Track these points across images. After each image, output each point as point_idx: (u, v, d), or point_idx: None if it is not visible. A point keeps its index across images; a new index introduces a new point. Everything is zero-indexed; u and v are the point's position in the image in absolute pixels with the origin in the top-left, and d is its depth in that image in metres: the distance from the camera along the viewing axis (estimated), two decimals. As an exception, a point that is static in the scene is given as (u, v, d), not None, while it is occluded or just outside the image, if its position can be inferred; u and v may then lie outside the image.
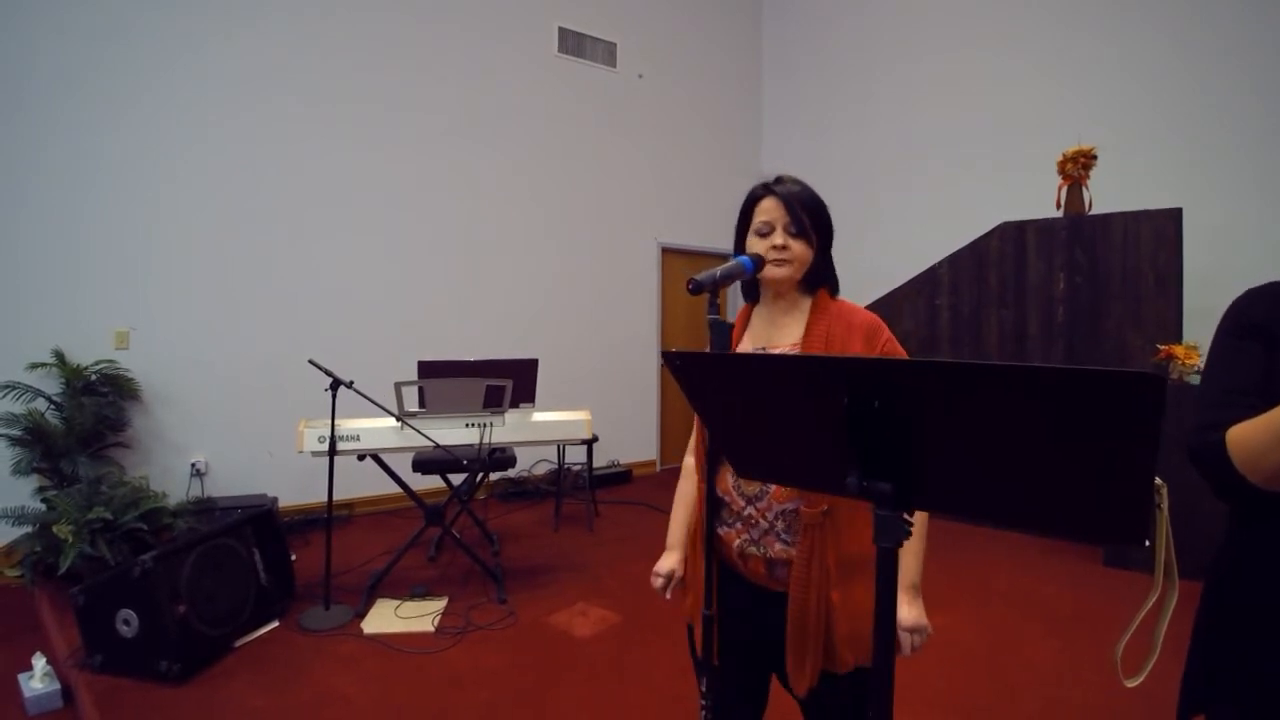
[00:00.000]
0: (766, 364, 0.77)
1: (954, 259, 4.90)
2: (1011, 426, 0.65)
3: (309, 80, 4.60)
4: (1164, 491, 0.66)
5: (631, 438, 6.23)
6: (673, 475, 6.88)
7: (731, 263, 1.20)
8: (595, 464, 5.10)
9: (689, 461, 1.47)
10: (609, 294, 6.13)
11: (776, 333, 1.32)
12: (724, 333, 1.12)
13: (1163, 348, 3.90)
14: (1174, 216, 4.07)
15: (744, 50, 7.21)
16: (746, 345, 1.35)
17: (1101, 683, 2.53)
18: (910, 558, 1.22)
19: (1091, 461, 0.64)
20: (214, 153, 4.27)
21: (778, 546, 1.21)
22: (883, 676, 0.80)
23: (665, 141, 6.50)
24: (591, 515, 4.76)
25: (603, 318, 6.07)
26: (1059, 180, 4.55)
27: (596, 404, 4.75)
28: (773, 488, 1.22)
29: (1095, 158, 4.43)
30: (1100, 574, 3.71)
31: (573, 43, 5.82)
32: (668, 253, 6.59)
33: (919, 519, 1.20)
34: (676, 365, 0.82)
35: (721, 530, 1.28)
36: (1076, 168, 4.50)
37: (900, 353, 1.23)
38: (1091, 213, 4.43)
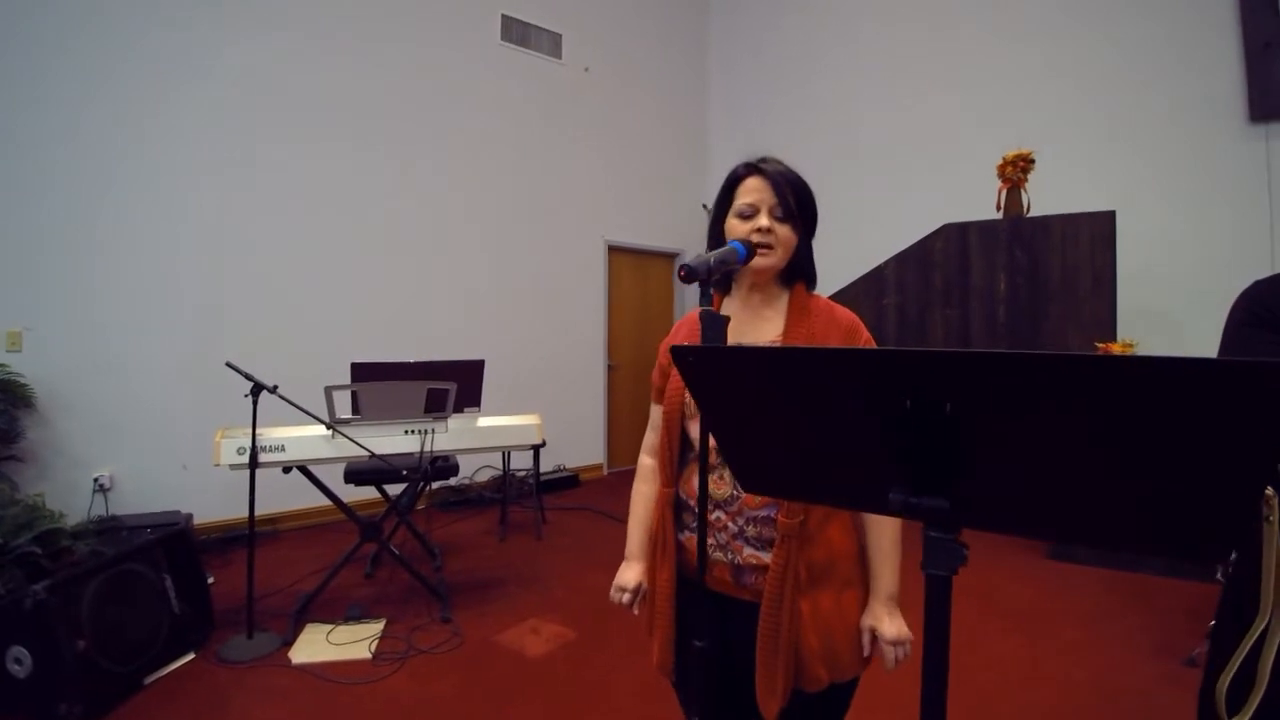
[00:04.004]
0: (808, 359, 0.64)
1: (900, 259, 4.95)
2: (1108, 428, 0.54)
3: (234, 67, 4.23)
4: (1275, 503, 0.56)
5: (578, 441, 6.05)
6: (622, 479, 6.73)
7: (725, 248, 1.08)
8: (540, 468, 4.91)
9: (646, 462, 1.35)
10: (554, 293, 5.93)
11: (752, 329, 1.21)
12: (718, 326, 1.00)
13: (1101, 345, 4.01)
14: (1109, 219, 4.21)
15: (691, 46, 7.15)
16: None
17: (1066, 680, 2.53)
18: (887, 568, 1.16)
19: (1199, 468, 0.53)
20: (123, 140, 3.86)
21: (746, 552, 1.13)
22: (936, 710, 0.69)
23: (611, 137, 6.36)
24: (539, 523, 4.57)
25: (547, 318, 5.87)
26: (999, 183, 4.65)
27: (541, 406, 4.54)
28: (743, 494, 1.13)
29: (1033, 162, 4.55)
30: (1047, 567, 3.76)
31: (517, 32, 5.61)
32: (615, 251, 6.45)
33: (893, 525, 1.16)
34: (689, 362, 0.68)
35: (683, 535, 1.21)
36: (1016, 171, 4.60)
37: None
38: (1030, 215, 4.54)
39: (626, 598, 1.30)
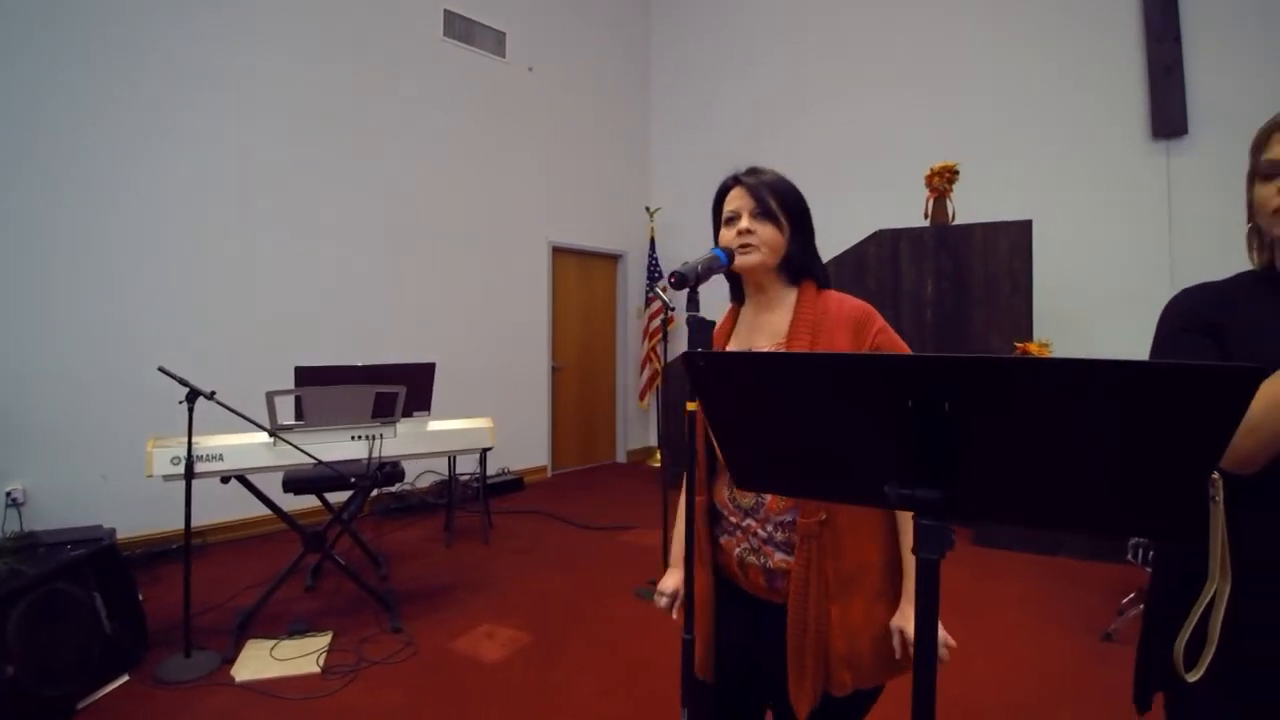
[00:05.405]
0: (818, 365, 0.69)
1: (837, 262, 5.14)
2: (1088, 425, 0.61)
3: (165, 55, 4.01)
4: (1219, 484, 0.65)
5: (522, 443, 6.00)
6: (566, 481, 6.65)
7: (708, 255, 1.14)
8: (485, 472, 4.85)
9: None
10: (497, 294, 5.87)
11: (760, 331, 1.26)
12: (704, 330, 1.04)
13: (1019, 345, 4.29)
14: (1025, 228, 4.50)
15: (634, 46, 7.22)
16: (732, 346, 1.29)
17: (1000, 659, 2.70)
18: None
19: (1165, 458, 0.61)
20: (38, 138, 3.60)
21: (777, 556, 1.17)
22: (925, 701, 0.75)
23: (555, 137, 6.35)
24: (486, 527, 4.52)
25: (490, 319, 5.81)
26: (927, 193, 4.90)
27: (485, 408, 4.48)
28: (768, 500, 1.17)
29: (958, 173, 4.82)
30: (972, 552, 3.99)
31: (461, 28, 5.53)
32: (558, 252, 6.43)
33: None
34: (699, 366, 0.72)
35: (722, 539, 1.24)
36: (942, 181, 4.86)
37: (897, 343, 1.19)
38: (955, 223, 4.80)
39: (664, 602, 1.34)
